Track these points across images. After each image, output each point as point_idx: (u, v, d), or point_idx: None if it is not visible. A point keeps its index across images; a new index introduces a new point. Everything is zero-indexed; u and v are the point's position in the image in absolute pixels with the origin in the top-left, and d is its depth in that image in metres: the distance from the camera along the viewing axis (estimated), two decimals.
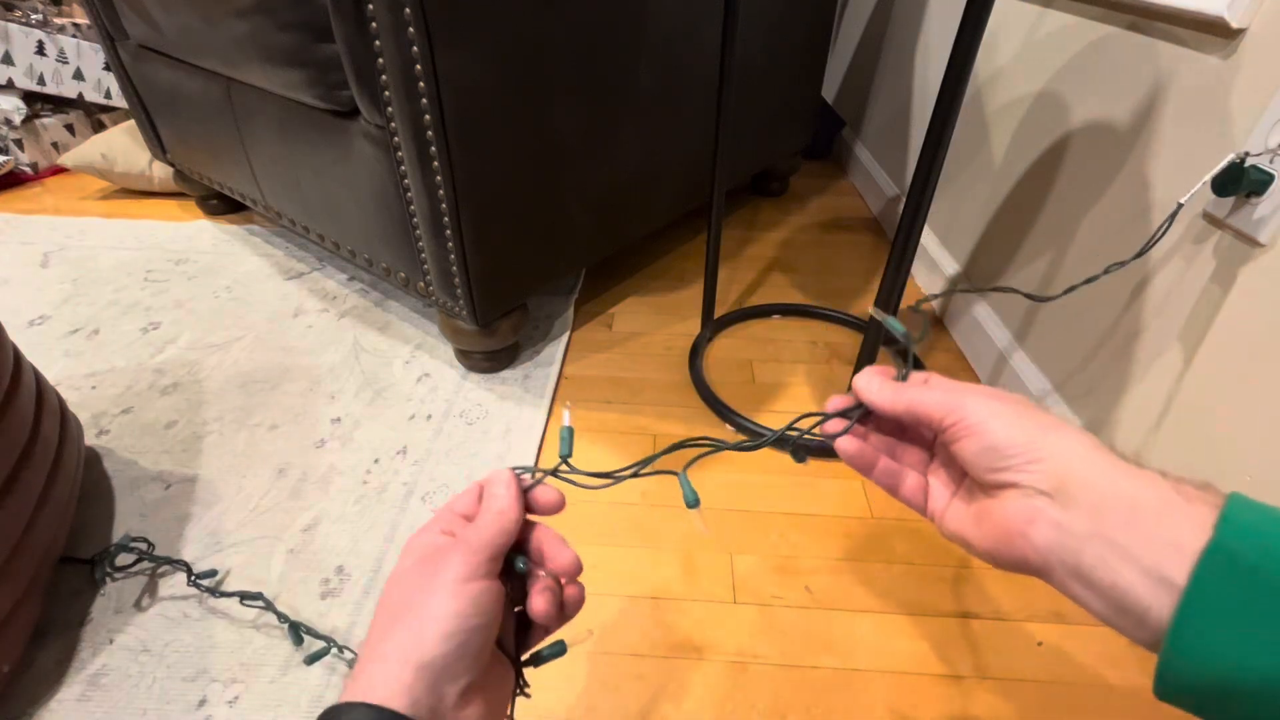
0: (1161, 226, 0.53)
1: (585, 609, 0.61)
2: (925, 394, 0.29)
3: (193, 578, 0.59)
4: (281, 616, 0.57)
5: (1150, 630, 0.22)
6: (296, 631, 0.56)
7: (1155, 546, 0.22)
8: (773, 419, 0.81)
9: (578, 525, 0.68)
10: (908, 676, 0.55)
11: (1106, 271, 0.55)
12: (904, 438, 0.33)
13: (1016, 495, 0.26)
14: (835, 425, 0.32)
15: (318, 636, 0.55)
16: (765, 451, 0.76)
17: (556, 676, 0.54)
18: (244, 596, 0.58)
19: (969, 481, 0.30)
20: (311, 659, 0.54)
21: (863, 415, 0.32)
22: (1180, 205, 0.53)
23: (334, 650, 0.54)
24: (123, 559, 0.61)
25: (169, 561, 0.60)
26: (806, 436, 0.33)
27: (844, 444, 0.32)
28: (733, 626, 0.58)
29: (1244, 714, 0.21)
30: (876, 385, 0.30)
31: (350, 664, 0.54)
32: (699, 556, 0.65)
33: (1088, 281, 0.60)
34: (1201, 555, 0.21)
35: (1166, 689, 0.22)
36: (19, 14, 1.32)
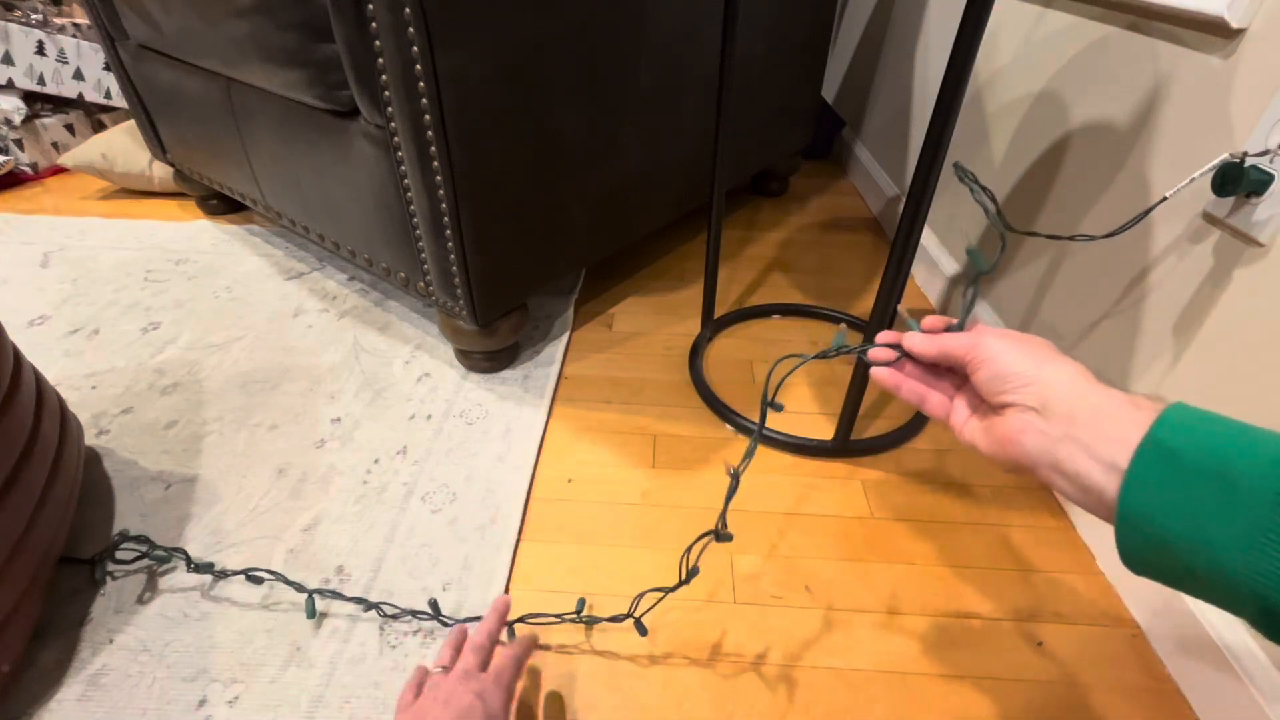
0: (1142, 213, 0.54)
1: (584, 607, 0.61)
2: (953, 338, 0.37)
3: (191, 564, 0.60)
4: (299, 587, 0.58)
5: (1108, 507, 0.28)
6: (312, 603, 0.57)
7: (1110, 442, 0.29)
8: (773, 419, 0.81)
9: (579, 525, 0.68)
10: (908, 676, 0.55)
11: (1073, 238, 0.56)
12: (938, 372, 0.40)
13: (1013, 412, 0.33)
14: (878, 355, 0.40)
15: (345, 598, 0.58)
16: (765, 451, 0.76)
17: (557, 677, 0.54)
18: (249, 574, 0.59)
19: (984, 405, 0.36)
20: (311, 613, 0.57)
21: (901, 355, 0.40)
22: (1165, 197, 0.53)
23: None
24: (122, 554, 0.61)
25: (167, 550, 0.61)
26: (856, 354, 0.42)
27: (879, 373, 0.41)
28: (733, 626, 0.58)
29: (1176, 568, 0.27)
30: (920, 340, 0.39)
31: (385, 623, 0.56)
32: (699, 556, 0.64)
33: (1051, 237, 0.60)
34: (1138, 446, 0.27)
35: (1122, 552, 0.28)
36: (19, 14, 1.32)
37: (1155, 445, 0.27)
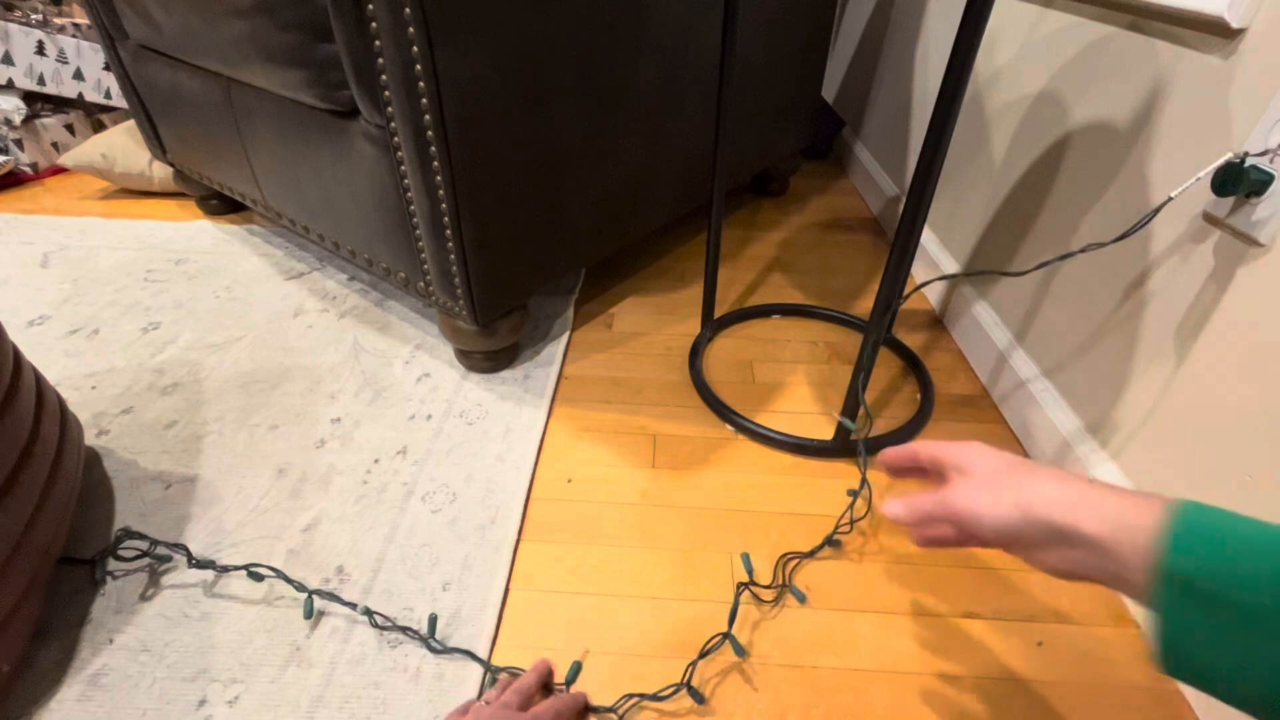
0: (1147, 217, 0.54)
1: (584, 608, 0.61)
2: (936, 447, 0.43)
3: (193, 560, 0.60)
4: (299, 586, 0.58)
5: (1135, 588, 0.29)
6: (311, 603, 0.57)
7: (1133, 569, 0.28)
8: (773, 419, 0.81)
9: (579, 525, 0.68)
10: (908, 676, 0.55)
11: (1083, 250, 0.56)
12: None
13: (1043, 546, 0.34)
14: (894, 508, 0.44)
15: (342, 602, 0.58)
16: (765, 451, 0.76)
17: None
18: (250, 569, 0.59)
19: None
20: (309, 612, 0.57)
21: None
22: (1170, 198, 0.53)
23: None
24: (123, 551, 0.62)
25: (169, 546, 0.61)
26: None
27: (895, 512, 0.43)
28: (733, 626, 0.58)
29: (1219, 690, 0.26)
30: (899, 507, 0.42)
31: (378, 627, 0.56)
32: (699, 556, 0.65)
33: (1061, 258, 0.61)
34: (1157, 576, 0.27)
35: (1166, 670, 0.28)
36: (19, 14, 1.32)
37: (1170, 577, 0.26)
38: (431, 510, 0.68)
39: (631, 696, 0.52)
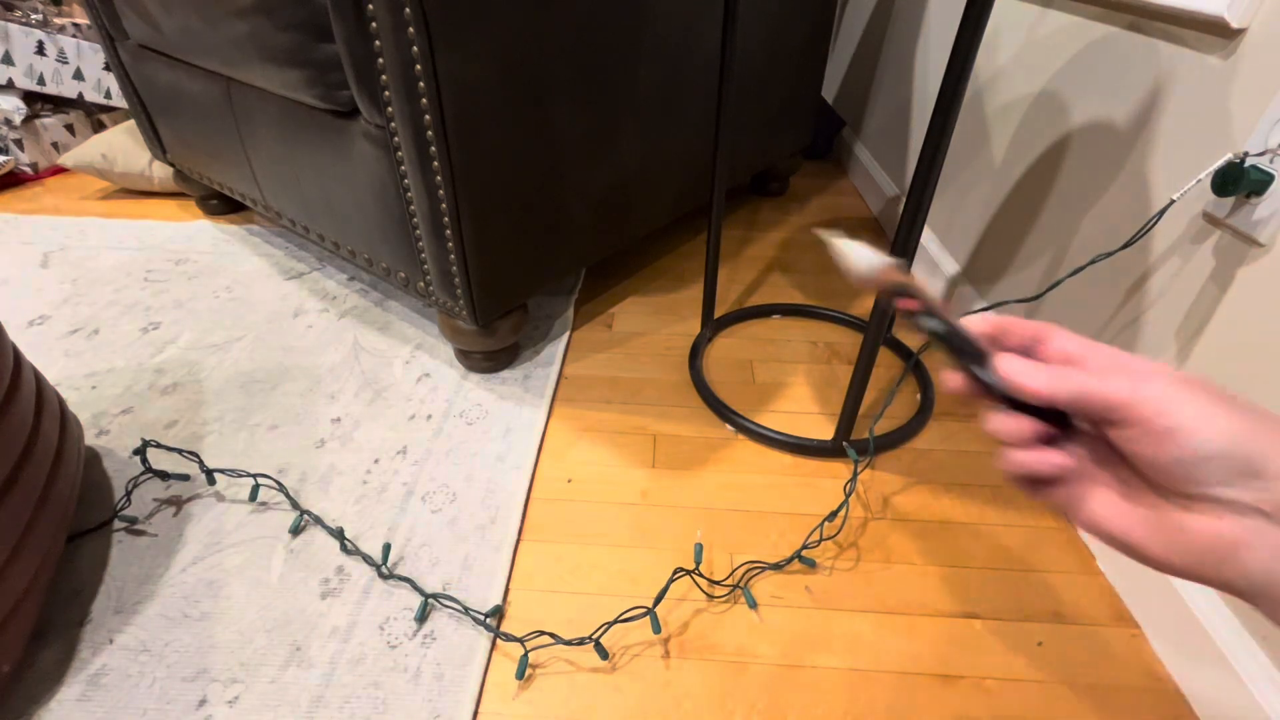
0: (1151, 220, 0.54)
1: (584, 609, 0.61)
2: (1102, 383, 0.24)
3: (206, 469, 0.69)
4: (294, 503, 0.66)
5: None
6: (298, 518, 0.65)
7: None
8: (773, 419, 0.81)
9: (579, 525, 0.68)
10: (908, 676, 0.55)
11: (1092, 262, 0.56)
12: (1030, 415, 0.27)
13: (1222, 510, 0.22)
14: (952, 380, 0.28)
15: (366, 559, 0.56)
16: (765, 451, 0.76)
17: (557, 677, 0.54)
18: (259, 479, 0.68)
19: (1132, 476, 0.25)
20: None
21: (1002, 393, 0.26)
22: (1173, 201, 0.53)
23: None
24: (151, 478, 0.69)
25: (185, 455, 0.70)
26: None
27: (953, 381, 0.28)
28: (733, 626, 0.58)
29: None
30: (1030, 372, 0.25)
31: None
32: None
33: (1073, 274, 0.61)
34: None
35: None
36: (19, 14, 1.32)
37: None
38: (431, 510, 0.68)
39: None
